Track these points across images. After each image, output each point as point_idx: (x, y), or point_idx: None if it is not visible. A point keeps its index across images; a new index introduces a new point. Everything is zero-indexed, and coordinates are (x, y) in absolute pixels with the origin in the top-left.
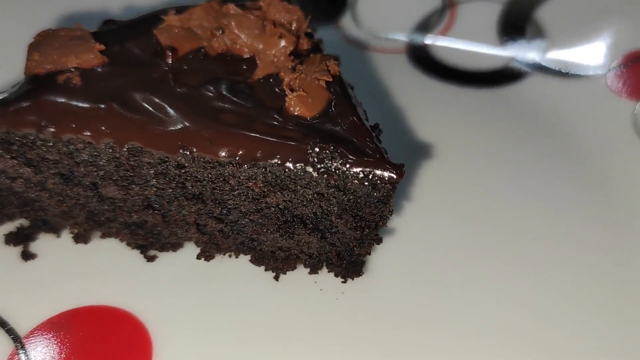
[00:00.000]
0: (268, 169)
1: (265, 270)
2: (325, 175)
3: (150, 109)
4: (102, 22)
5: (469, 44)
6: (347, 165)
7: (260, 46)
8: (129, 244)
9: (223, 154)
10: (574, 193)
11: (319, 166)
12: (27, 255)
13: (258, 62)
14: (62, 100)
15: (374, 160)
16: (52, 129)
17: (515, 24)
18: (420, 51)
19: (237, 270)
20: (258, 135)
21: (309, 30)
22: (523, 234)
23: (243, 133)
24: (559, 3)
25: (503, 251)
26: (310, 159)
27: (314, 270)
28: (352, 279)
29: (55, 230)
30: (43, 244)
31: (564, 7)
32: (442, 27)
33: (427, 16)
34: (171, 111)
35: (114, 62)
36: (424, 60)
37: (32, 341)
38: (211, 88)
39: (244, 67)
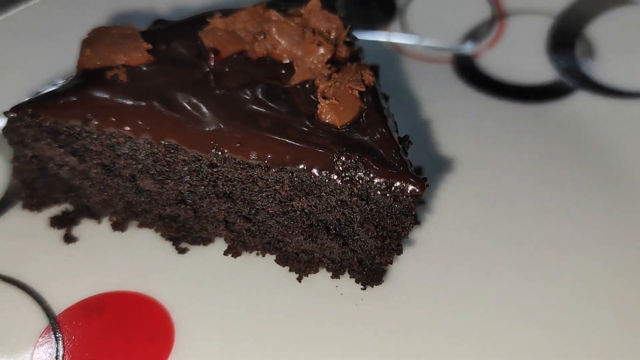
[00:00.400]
0: (294, 174)
1: (290, 270)
2: (349, 184)
3: (189, 108)
4: (152, 21)
5: (516, 57)
6: (371, 175)
7: (299, 53)
8: (163, 235)
9: (252, 156)
10: (608, 216)
11: (343, 174)
12: (69, 239)
13: (296, 68)
14: (108, 95)
15: (397, 173)
16: (96, 122)
17: (565, 39)
18: (465, 62)
19: (262, 269)
20: (287, 141)
21: (348, 39)
22: (548, 251)
23: (273, 137)
24: (610, 20)
25: (526, 267)
26: (336, 167)
27: (336, 274)
28: (372, 287)
29: (97, 216)
30: (85, 229)
31: (616, 24)
32: (490, 39)
33: (475, 27)
34: (207, 112)
35: (160, 62)
36: (469, 72)
37: (66, 320)
38: (248, 92)
39: (283, 72)
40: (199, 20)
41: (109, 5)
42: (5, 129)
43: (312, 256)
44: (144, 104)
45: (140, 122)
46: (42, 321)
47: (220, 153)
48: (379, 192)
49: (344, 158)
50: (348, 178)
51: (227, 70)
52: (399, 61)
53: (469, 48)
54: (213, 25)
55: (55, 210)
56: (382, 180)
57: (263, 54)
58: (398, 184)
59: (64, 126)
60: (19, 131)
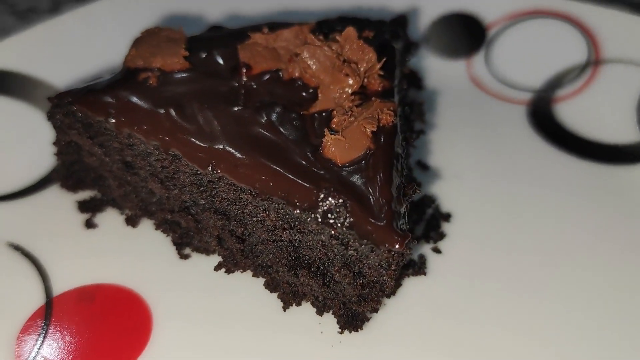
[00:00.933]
0: (280, 205)
1: (278, 297)
2: (328, 227)
3: (201, 122)
4: (208, 27)
5: (600, 110)
6: (350, 221)
7: (327, 80)
8: (171, 238)
9: (244, 180)
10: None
11: (325, 215)
12: (89, 224)
13: (320, 95)
14: (132, 97)
15: (378, 224)
16: (114, 121)
17: None
18: (543, 107)
19: (254, 290)
20: (279, 170)
21: (382, 73)
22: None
23: (267, 164)
24: None
25: (522, 332)
26: (319, 207)
27: (320, 311)
28: (350, 332)
29: (120, 207)
30: (107, 217)
31: None
32: (577, 86)
33: (565, 71)
34: (218, 128)
35: (194, 70)
36: (543, 118)
37: (60, 303)
38: (264, 113)
39: (307, 98)
40: (243, 32)
41: (181, 5)
42: (48, 113)
43: (296, 289)
44: (160, 111)
45: (151, 128)
46: (40, 299)
47: (215, 172)
48: (357, 242)
49: (330, 198)
50: (329, 220)
51: (254, 87)
52: (472, 94)
53: (551, 92)
54: (254, 39)
55: (85, 194)
56: (360, 229)
57: (295, 76)
58: (375, 236)
59: (92, 119)
60: (58, 117)
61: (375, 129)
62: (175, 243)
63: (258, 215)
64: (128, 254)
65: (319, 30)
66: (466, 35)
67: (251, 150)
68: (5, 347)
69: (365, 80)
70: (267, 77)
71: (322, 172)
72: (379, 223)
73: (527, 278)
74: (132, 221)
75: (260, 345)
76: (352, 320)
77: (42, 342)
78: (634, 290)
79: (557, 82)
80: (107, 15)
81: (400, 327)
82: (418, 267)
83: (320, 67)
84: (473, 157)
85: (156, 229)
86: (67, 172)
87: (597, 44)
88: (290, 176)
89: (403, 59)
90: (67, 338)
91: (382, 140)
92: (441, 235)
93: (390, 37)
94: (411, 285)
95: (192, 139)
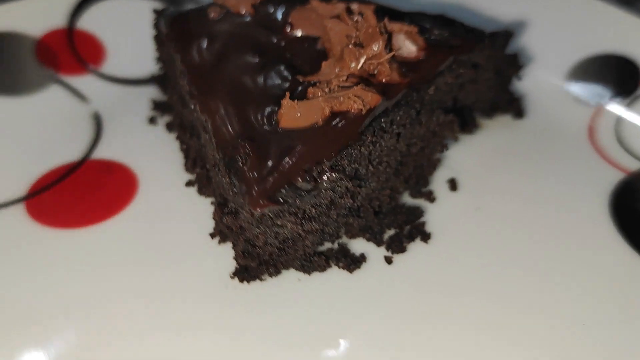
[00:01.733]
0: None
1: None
2: (227, 170)
3: (215, 57)
4: None
5: None
6: (241, 171)
7: (337, 56)
8: None
9: (205, 111)
10: None
11: (230, 160)
12: (152, 121)
13: (323, 66)
14: (187, 23)
15: (258, 185)
16: (171, 38)
17: None
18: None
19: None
20: (229, 110)
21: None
22: None
23: (226, 106)
24: None
25: None
26: (228, 153)
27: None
28: (239, 281)
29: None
30: (165, 120)
31: None
32: None
33: None
34: (221, 66)
35: (255, 16)
36: (635, 193)
37: (90, 165)
38: (265, 69)
39: (316, 66)
40: None
41: None
42: (154, 24)
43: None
44: (195, 38)
45: (182, 49)
46: (81, 156)
47: (192, 97)
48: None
49: (240, 148)
50: (231, 164)
51: (284, 45)
52: (577, 142)
53: None
54: (311, 5)
55: (164, 97)
56: (244, 181)
57: (325, 46)
58: (248, 193)
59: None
60: (158, 29)
61: (330, 109)
62: (185, 156)
63: (208, 147)
64: (153, 151)
65: (385, 16)
66: (615, 81)
67: (227, 90)
68: (26, 178)
69: (372, 67)
70: (300, 39)
71: (259, 125)
72: (261, 185)
73: None
74: (170, 127)
75: (178, 249)
76: (244, 271)
77: (54, 188)
78: None
79: None
80: None
81: (290, 299)
82: (350, 262)
83: (336, 41)
84: (514, 200)
85: (176, 139)
86: (163, 76)
87: None
88: (233, 117)
89: (459, 67)
90: (74, 193)
91: (336, 123)
92: (402, 249)
93: (462, 43)
94: (334, 273)
95: (198, 63)
